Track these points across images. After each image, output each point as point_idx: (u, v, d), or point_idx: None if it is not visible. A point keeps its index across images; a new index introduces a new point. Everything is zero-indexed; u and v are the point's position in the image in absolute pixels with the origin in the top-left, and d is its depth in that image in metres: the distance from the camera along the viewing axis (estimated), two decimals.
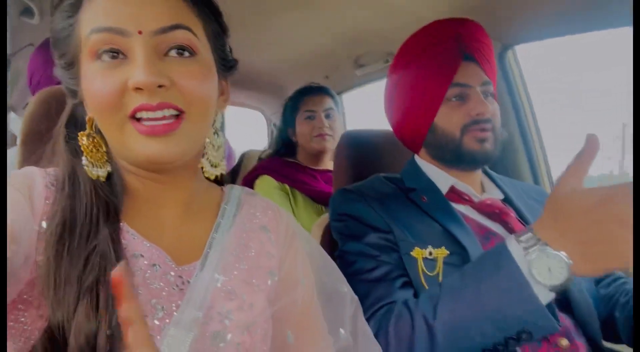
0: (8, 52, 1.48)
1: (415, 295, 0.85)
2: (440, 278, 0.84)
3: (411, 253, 0.86)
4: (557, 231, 0.66)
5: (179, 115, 0.54)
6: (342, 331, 0.68)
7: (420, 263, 0.85)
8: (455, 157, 0.97)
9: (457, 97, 0.95)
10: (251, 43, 1.78)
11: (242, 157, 2.21)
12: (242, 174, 2.01)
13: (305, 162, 1.71)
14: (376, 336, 0.75)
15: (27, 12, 1.23)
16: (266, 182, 1.63)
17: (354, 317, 0.71)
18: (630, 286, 0.92)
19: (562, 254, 0.65)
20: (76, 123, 0.62)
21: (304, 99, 1.71)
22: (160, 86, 0.52)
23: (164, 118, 0.53)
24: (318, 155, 1.69)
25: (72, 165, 0.59)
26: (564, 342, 0.81)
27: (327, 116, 1.68)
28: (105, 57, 0.53)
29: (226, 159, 2.29)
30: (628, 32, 1.08)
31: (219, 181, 0.74)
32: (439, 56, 0.96)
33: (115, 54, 0.53)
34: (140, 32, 0.53)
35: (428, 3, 1.34)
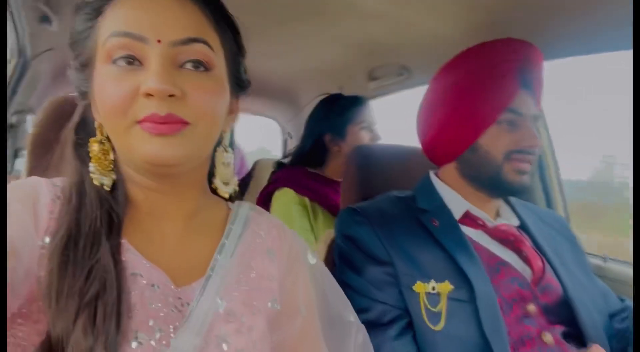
0: (28, 55, 1.51)
1: (415, 337, 0.82)
2: (444, 314, 0.81)
3: (413, 287, 0.84)
4: None
5: (184, 125, 0.54)
6: None
7: (423, 298, 0.83)
8: (490, 180, 0.94)
9: (508, 122, 0.92)
10: (267, 52, 1.79)
11: (255, 165, 2.21)
12: (254, 183, 2.01)
13: (335, 175, 1.66)
14: None
15: (45, 19, 1.25)
16: (286, 196, 1.57)
17: (362, 346, 0.69)
18: None
19: None
20: (86, 128, 0.63)
21: (359, 109, 1.67)
22: (171, 96, 0.53)
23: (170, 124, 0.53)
24: None
25: (80, 174, 0.59)
26: None
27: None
28: (121, 62, 0.54)
29: (238, 167, 2.30)
30: None
31: (231, 198, 0.73)
32: (501, 77, 0.92)
33: (131, 60, 0.54)
34: (159, 41, 0.54)
35: (444, 19, 1.33)
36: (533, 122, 0.93)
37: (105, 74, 0.54)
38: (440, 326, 0.81)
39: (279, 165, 1.77)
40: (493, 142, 0.92)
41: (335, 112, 1.68)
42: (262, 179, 1.91)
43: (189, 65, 0.55)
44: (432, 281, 0.83)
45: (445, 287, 0.83)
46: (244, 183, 2.06)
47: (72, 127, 0.63)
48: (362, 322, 0.79)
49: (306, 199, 1.57)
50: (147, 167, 0.57)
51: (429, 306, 0.82)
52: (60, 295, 0.49)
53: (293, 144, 2.11)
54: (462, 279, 0.83)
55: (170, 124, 0.53)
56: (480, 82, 0.93)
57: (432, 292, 0.83)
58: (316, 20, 1.51)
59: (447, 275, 0.84)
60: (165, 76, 0.52)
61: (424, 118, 1.05)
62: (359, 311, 0.81)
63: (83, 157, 0.61)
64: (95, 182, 0.58)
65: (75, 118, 0.64)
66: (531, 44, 0.96)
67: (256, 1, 1.36)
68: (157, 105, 0.52)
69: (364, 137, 1.64)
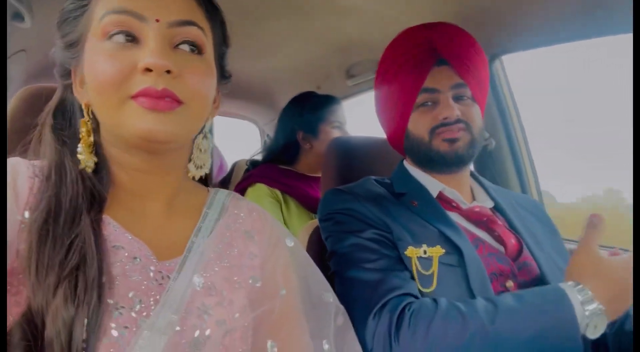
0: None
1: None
2: (435, 277, 0.83)
3: (405, 252, 0.86)
4: (603, 293, 0.74)
5: (178, 103, 0.55)
6: (325, 343, 0.66)
7: (415, 262, 0.84)
8: (427, 159, 0.98)
9: (427, 102, 0.96)
10: (242, 51, 1.79)
11: (234, 166, 2.20)
12: (233, 183, 2.00)
13: (307, 170, 1.70)
14: (393, 326, 0.75)
15: (17, 16, 1.23)
16: (258, 190, 1.60)
17: (341, 330, 0.70)
18: None
19: (606, 316, 0.73)
20: (64, 112, 0.63)
21: (332, 109, 1.70)
22: (168, 72, 0.54)
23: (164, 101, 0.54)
24: None
25: (60, 155, 0.59)
26: None
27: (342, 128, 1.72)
28: (118, 38, 0.55)
29: (218, 169, 2.29)
30: (612, 40, 1.10)
31: (206, 183, 0.74)
32: (410, 63, 0.96)
33: (129, 37, 0.55)
34: (157, 20, 0.55)
35: (417, 13, 1.36)
36: (454, 92, 0.96)
37: (100, 49, 0.55)
38: (431, 288, 0.82)
39: (253, 163, 1.80)
40: (417, 124, 0.97)
41: (308, 110, 1.71)
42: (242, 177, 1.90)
43: (184, 47, 0.58)
44: (424, 245, 0.86)
45: (437, 250, 0.85)
46: (224, 184, 2.06)
47: (50, 111, 0.63)
48: (376, 269, 0.83)
49: (278, 192, 1.61)
50: (137, 143, 0.57)
51: (420, 270, 0.84)
52: (40, 267, 0.49)
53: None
54: (451, 246, 0.86)
55: (165, 102, 0.54)
56: (397, 71, 0.98)
57: (424, 256, 0.85)
58: (292, 18, 1.52)
59: (437, 241, 0.86)
60: (164, 53, 0.54)
61: (377, 117, 1.11)
62: (370, 261, 0.85)
63: (62, 139, 0.61)
64: (81, 164, 0.58)
65: (54, 101, 0.64)
66: (440, 22, 1.01)
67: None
68: (154, 80, 0.53)
69: (336, 136, 1.65)
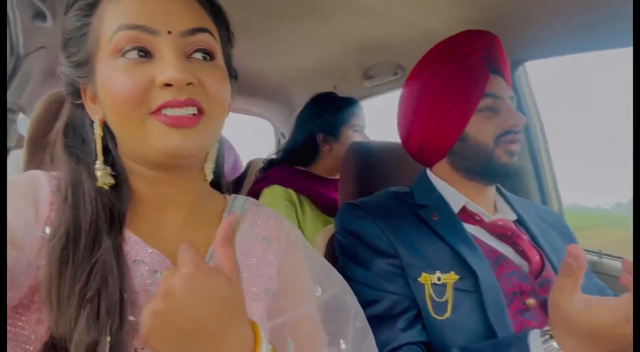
0: (20, 53, 1.49)
1: (424, 325, 0.83)
2: (450, 305, 0.82)
3: (419, 279, 0.84)
4: (572, 342, 0.66)
5: (199, 114, 0.55)
6: (342, 343, 0.66)
7: (429, 289, 0.83)
8: (484, 168, 0.94)
9: (488, 108, 0.94)
10: (260, 51, 1.78)
11: (249, 165, 2.20)
12: (248, 182, 2.00)
13: (324, 173, 1.68)
14: None
15: (39, 16, 1.24)
16: (273, 193, 1.59)
17: (360, 333, 0.69)
18: None
19: None
20: (75, 128, 0.63)
21: (353, 111, 1.70)
22: (188, 84, 0.53)
23: (187, 115, 0.54)
24: None
25: (75, 174, 0.58)
26: None
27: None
28: (131, 55, 0.54)
29: (232, 168, 2.29)
30: None
31: (219, 189, 0.74)
32: (471, 67, 0.94)
33: (142, 53, 0.54)
34: (169, 32, 0.54)
35: (438, 17, 1.34)
36: (511, 102, 0.96)
37: (115, 67, 0.54)
38: (445, 316, 0.81)
39: (270, 163, 1.78)
40: (480, 129, 0.94)
41: (329, 112, 1.69)
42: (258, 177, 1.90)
43: (197, 55, 0.57)
44: (438, 271, 0.84)
45: (451, 277, 0.83)
46: (238, 182, 2.06)
47: (60, 129, 0.63)
48: (372, 315, 0.78)
49: (293, 193, 1.59)
50: (161, 159, 0.56)
51: (434, 297, 0.83)
52: (62, 296, 0.48)
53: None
54: (466, 270, 0.84)
55: (187, 117, 0.53)
56: (452, 75, 0.95)
57: (438, 283, 0.83)
58: (310, 19, 1.51)
59: (452, 266, 0.84)
60: (181, 65, 0.53)
61: (404, 123, 1.06)
62: (368, 303, 0.82)
63: (76, 156, 0.60)
64: (100, 180, 0.57)
65: (64, 119, 0.63)
66: (489, 32, 0.99)
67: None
68: (176, 94, 0.53)
69: (358, 139, 1.65)
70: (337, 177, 1.64)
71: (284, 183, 1.61)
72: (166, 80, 0.52)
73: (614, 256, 1.27)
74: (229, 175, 2.14)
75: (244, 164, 2.29)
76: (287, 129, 2.47)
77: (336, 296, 0.70)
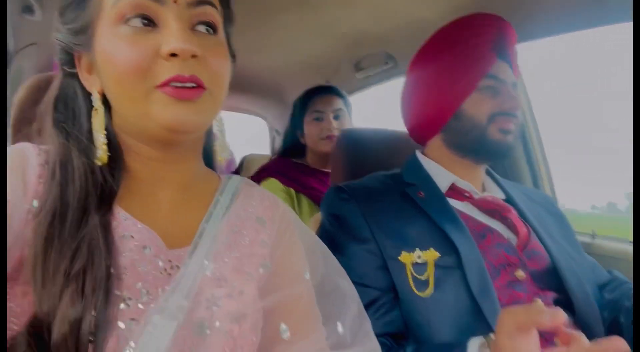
0: (10, 50, 1.49)
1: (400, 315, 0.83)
2: (432, 282, 0.82)
3: (399, 258, 0.84)
4: None
5: (199, 88, 0.54)
6: (339, 326, 0.65)
7: (409, 268, 0.83)
8: (477, 144, 0.95)
9: (489, 88, 0.95)
10: (250, 46, 1.78)
11: (243, 161, 2.20)
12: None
13: (314, 165, 1.69)
14: None
15: (28, 9, 1.24)
16: (272, 185, 1.60)
17: (357, 318, 0.68)
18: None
19: None
20: (66, 102, 0.61)
21: (312, 100, 1.68)
22: (193, 56, 0.52)
23: (191, 87, 0.53)
24: (326, 157, 1.65)
25: (64, 150, 0.56)
26: None
27: (336, 117, 1.65)
28: (135, 22, 0.52)
29: (227, 164, 2.29)
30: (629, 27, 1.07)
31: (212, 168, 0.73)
32: (475, 48, 0.95)
33: (146, 21, 0.53)
34: (175, 2, 0.53)
35: (427, 5, 1.34)
36: (513, 88, 0.96)
37: (117, 34, 0.52)
38: (427, 293, 0.81)
39: (279, 153, 1.81)
40: (476, 106, 0.94)
41: (296, 105, 1.73)
42: (250, 174, 1.91)
43: (201, 28, 0.55)
44: (417, 249, 0.84)
45: (431, 254, 0.83)
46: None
47: (50, 101, 0.61)
48: None
49: (292, 190, 1.60)
50: (162, 134, 0.55)
51: (415, 275, 0.83)
52: (46, 274, 0.48)
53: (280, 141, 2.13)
54: (449, 246, 0.84)
55: (191, 90, 0.52)
56: (457, 54, 0.96)
57: (419, 261, 0.83)
58: (300, 12, 1.51)
59: (433, 243, 0.85)
60: (187, 36, 0.52)
61: (407, 99, 1.07)
62: None
63: (66, 131, 0.58)
64: (101, 158, 0.56)
65: (54, 91, 0.61)
66: (502, 18, 1.00)
67: None
68: (180, 67, 0.51)
69: (313, 127, 1.65)
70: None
71: (282, 179, 1.61)
72: (171, 50, 0.51)
73: (608, 237, 1.28)
74: (224, 172, 2.14)
75: (237, 161, 2.29)
76: (281, 126, 2.47)
77: (332, 279, 0.69)
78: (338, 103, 1.68)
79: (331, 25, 1.60)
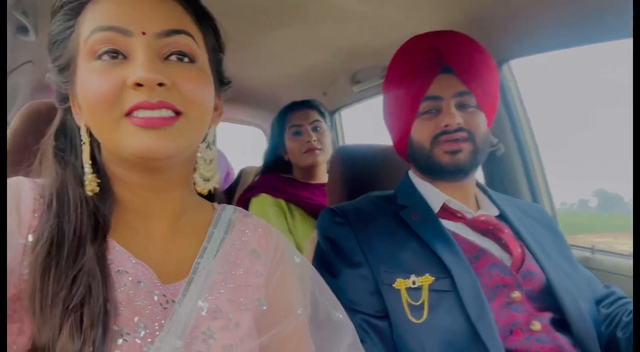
0: (7, 68, 1.49)
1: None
2: (426, 306, 0.81)
3: (393, 285, 0.84)
4: None
5: (176, 115, 0.54)
6: None
7: (404, 294, 0.83)
8: (428, 168, 0.97)
9: (430, 110, 0.95)
10: (249, 59, 1.79)
11: (240, 173, 2.20)
12: (239, 191, 2.00)
13: (302, 178, 1.69)
14: None
15: (22, 29, 1.24)
16: (262, 200, 1.60)
17: (351, 349, 0.67)
18: (633, 305, 0.90)
19: None
20: (66, 133, 0.62)
21: (289, 115, 1.69)
22: (160, 85, 0.52)
23: (160, 116, 0.53)
24: (311, 170, 1.67)
25: (61, 179, 0.58)
26: None
27: (315, 129, 1.66)
28: (106, 57, 0.53)
29: (224, 176, 2.29)
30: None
31: (212, 197, 0.72)
32: (415, 70, 0.96)
33: (115, 54, 0.53)
34: (143, 33, 0.54)
35: (422, 19, 1.34)
36: (457, 100, 0.95)
37: (90, 69, 0.54)
38: (422, 319, 0.80)
39: (259, 172, 1.81)
40: (419, 132, 0.96)
41: (275, 123, 1.74)
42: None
43: (173, 58, 0.56)
44: (412, 275, 0.83)
45: (426, 279, 0.83)
46: (231, 191, 2.06)
47: (51, 134, 0.62)
48: None
49: (282, 201, 1.60)
50: (136, 161, 0.56)
51: (410, 301, 0.82)
52: (45, 304, 0.48)
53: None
54: (443, 270, 0.83)
55: (160, 118, 0.52)
56: (403, 76, 0.98)
57: (413, 286, 0.83)
58: (297, 26, 1.52)
59: (428, 267, 0.84)
60: (153, 66, 0.52)
61: (385, 121, 1.10)
62: None
63: (64, 161, 0.60)
64: (88, 187, 0.57)
65: (55, 124, 0.63)
66: (446, 30, 1.00)
67: (237, 8, 1.36)
68: (147, 95, 0.52)
69: (294, 142, 1.66)
70: (319, 181, 1.67)
71: (273, 192, 1.62)
72: (136, 80, 0.51)
73: (607, 251, 1.27)
74: (221, 184, 2.14)
75: (235, 173, 2.29)
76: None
77: (326, 310, 0.69)
78: (315, 115, 1.69)
79: (328, 39, 1.60)
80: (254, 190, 1.66)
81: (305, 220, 1.58)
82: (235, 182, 2.17)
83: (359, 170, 1.24)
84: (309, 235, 1.35)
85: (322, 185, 1.65)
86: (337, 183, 1.23)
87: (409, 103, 0.96)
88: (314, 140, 1.62)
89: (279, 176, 1.70)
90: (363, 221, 0.94)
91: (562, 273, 0.89)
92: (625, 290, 0.98)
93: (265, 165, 1.77)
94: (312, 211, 1.58)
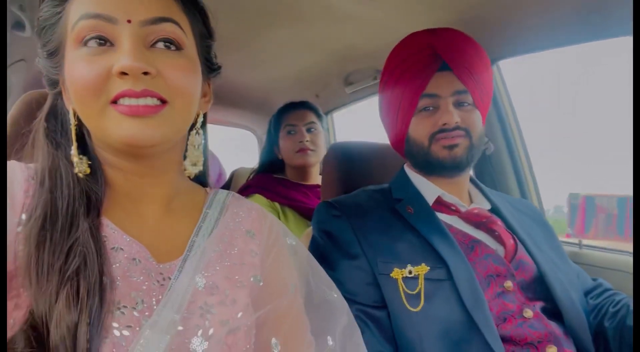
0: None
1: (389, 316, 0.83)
2: (422, 295, 0.83)
3: (391, 275, 0.85)
4: None
5: (162, 104, 0.55)
6: (329, 339, 0.66)
7: (401, 283, 0.84)
8: (426, 164, 0.99)
9: (428, 108, 0.97)
10: (241, 61, 1.80)
11: (232, 175, 2.20)
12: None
13: (294, 179, 1.71)
14: None
15: (17, 25, 1.24)
16: (257, 201, 1.59)
17: (347, 329, 0.69)
18: (619, 297, 0.93)
19: None
20: (56, 116, 0.63)
21: (286, 115, 1.71)
22: (145, 73, 0.53)
23: (145, 104, 0.54)
24: (303, 170, 1.69)
25: (53, 158, 0.59)
26: (553, 350, 0.80)
27: (309, 130, 1.68)
28: (92, 44, 0.54)
29: (217, 178, 2.29)
30: (613, 43, 1.11)
31: (203, 184, 0.74)
32: (412, 68, 0.97)
33: (102, 41, 0.54)
34: (129, 21, 0.54)
35: (416, 21, 1.37)
36: (455, 98, 0.96)
37: (77, 56, 0.54)
38: (419, 307, 0.82)
39: (253, 173, 1.82)
40: (417, 129, 0.98)
41: (271, 122, 1.77)
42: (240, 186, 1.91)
43: (160, 45, 0.56)
44: (409, 265, 0.85)
45: (422, 269, 0.85)
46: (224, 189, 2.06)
47: (43, 116, 0.63)
48: None
49: (277, 205, 1.62)
50: (122, 148, 0.57)
51: (407, 290, 0.84)
52: (40, 274, 0.49)
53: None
54: (438, 260, 0.85)
55: (144, 106, 0.53)
56: (400, 76, 0.99)
57: (410, 275, 0.84)
58: (291, 27, 1.53)
59: (424, 258, 0.86)
60: (138, 54, 0.53)
61: (382, 121, 1.11)
62: None
63: (56, 142, 0.61)
64: (77, 168, 0.58)
65: (46, 107, 0.64)
66: (442, 28, 1.01)
67: (229, 9, 1.38)
68: (132, 83, 0.53)
69: (287, 141, 1.68)
70: (312, 183, 1.69)
71: (267, 194, 1.63)
72: (120, 68, 0.52)
73: (594, 247, 1.31)
74: (214, 185, 2.13)
75: (227, 174, 2.29)
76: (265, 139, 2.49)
77: (320, 290, 0.70)
78: (311, 117, 1.71)
79: (321, 41, 1.62)
80: (249, 189, 1.68)
81: (298, 221, 1.60)
82: (227, 184, 2.17)
83: (352, 168, 1.25)
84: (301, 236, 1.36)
85: (316, 186, 1.67)
86: (331, 180, 1.24)
87: (407, 100, 0.98)
88: (307, 141, 1.64)
89: (272, 177, 1.72)
90: (360, 214, 0.95)
91: (553, 264, 0.92)
92: (611, 282, 1.01)
93: (261, 164, 1.78)
94: (305, 213, 1.60)
